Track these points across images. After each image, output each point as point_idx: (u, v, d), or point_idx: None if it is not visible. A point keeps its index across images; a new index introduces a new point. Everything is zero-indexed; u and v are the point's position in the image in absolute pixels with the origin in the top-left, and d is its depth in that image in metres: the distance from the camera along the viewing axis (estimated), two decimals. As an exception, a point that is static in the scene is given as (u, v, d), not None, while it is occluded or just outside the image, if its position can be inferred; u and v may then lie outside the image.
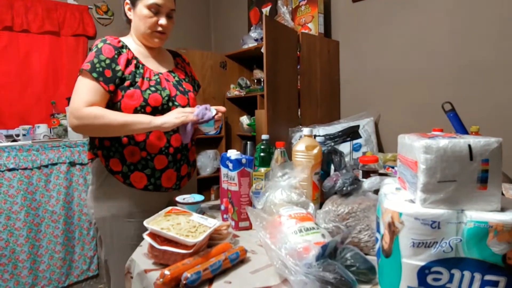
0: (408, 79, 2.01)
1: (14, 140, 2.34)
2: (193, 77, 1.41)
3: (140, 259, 0.85)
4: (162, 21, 1.17)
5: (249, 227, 1.03)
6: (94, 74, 1.08)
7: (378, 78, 2.16)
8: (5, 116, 2.55)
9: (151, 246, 0.80)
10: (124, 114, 1.09)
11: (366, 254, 0.77)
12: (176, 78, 1.27)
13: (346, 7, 2.30)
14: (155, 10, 1.15)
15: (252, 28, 2.74)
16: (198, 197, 1.07)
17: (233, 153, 1.04)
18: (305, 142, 1.04)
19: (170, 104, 1.18)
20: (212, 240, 0.87)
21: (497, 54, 1.67)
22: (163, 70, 1.25)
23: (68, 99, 2.46)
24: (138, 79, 1.14)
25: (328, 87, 2.29)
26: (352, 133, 1.99)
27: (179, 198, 1.06)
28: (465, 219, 0.58)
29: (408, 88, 2.02)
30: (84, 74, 1.09)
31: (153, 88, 1.15)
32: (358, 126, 2.01)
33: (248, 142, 2.79)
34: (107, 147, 1.17)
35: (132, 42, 1.22)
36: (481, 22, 1.71)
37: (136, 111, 1.11)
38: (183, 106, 1.21)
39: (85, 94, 1.07)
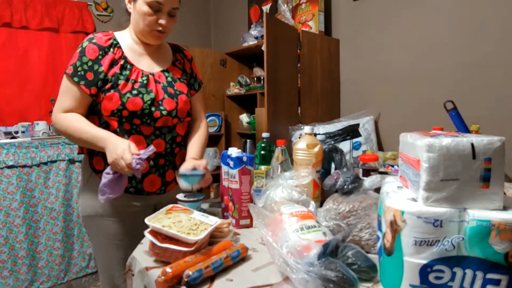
0: (408, 78, 2.01)
1: (13, 137, 2.33)
2: (193, 75, 1.32)
3: (141, 256, 0.85)
4: (162, 20, 1.10)
5: (250, 225, 1.03)
6: (75, 79, 1.06)
7: (378, 76, 2.16)
8: (4, 113, 2.54)
9: (153, 244, 0.80)
10: (86, 128, 1.04)
11: (367, 252, 0.77)
12: (169, 79, 1.19)
13: (347, 5, 2.29)
14: (156, 7, 1.08)
15: (252, 26, 2.73)
16: (199, 195, 1.06)
17: (234, 151, 1.04)
18: (306, 140, 1.04)
19: (153, 109, 1.10)
20: (213, 238, 0.87)
21: (498, 53, 1.67)
22: (156, 69, 1.18)
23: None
24: (121, 82, 1.08)
25: (328, 85, 2.28)
26: (352, 132, 1.99)
27: (179, 196, 1.05)
28: (467, 217, 0.58)
29: (408, 86, 2.02)
30: (66, 77, 1.09)
31: (134, 92, 1.08)
32: (358, 125, 2.01)
33: (248, 140, 2.79)
34: None
35: (128, 37, 1.17)
36: (482, 21, 1.71)
37: (113, 113, 1.07)
38: (170, 111, 1.13)
39: (63, 99, 1.08)
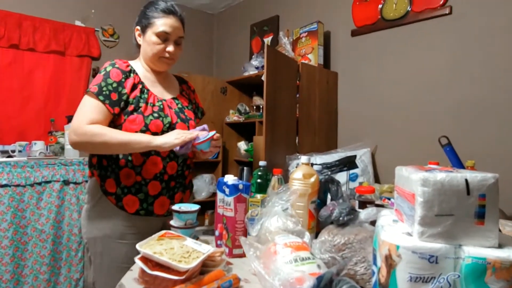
0: (405, 112, 2.05)
1: (10, 156, 2.32)
2: (197, 104, 1.42)
3: (130, 284, 0.83)
4: (170, 48, 1.20)
5: (243, 255, 1.00)
6: (101, 97, 1.10)
7: (376, 109, 2.20)
8: (2, 131, 2.54)
9: (142, 271, 0.78)
10: (124, 132, 1.10)
11: (362, 287, 0.75)
12: (179, 106, 1.28)
13: (345, 40, 2.38)
14: (164, 37, 1.18)
15: (253, 56, 2.82)
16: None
17: (230, 178, 1.04)
18: (303, 170, 1.04)
19: (170, 131, 1.17)
20: (205, 266, 0.85)
21: (493, 91, 1.72)
22: (167, 96, 1.27)
23: (68, 117, 2.47)
24: (142, 104, 1.16)
25: (326, 116, 2.32)
26: (349, 163, 2.00)
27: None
28: (463, 254, 0.57)
29: (404, 120, 2.05)
30: (90, 95, 1.12)
31: (155, 114, 1.16)
32: (355, 156, 2.02)
33: (245, 167, 2.79)
34: (104, 167, 1.17)
35: (140, 66, 1.25)
36: (477, 60, 1.77)
37: None
38: None
39: (88, 112, 1.09)
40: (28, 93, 2.66)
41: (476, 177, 0.59)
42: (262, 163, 1.25)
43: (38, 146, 2.37)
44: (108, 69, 1.15)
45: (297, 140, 2.14)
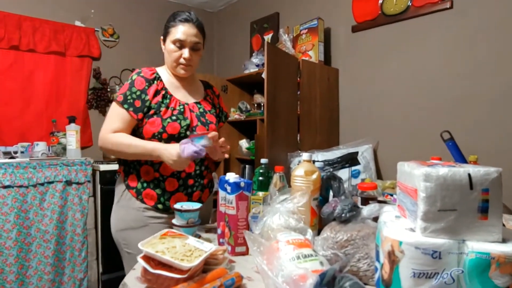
0: (406, 108, 2.04)
1: (12, 157, 2.32)
2: (221, 109, 1.49)
3: (133, 283, 0.83)
4: (185, 54, 1.26)
5: (246, 253, 1.00)
6: (125, 105, 1.21)
7: (377, 106, 2.19)
8: (4, 132, 2.55)
9: (145, 270, 0.78)
10: (138, 144, 1.19)
11: (365, 284, 0.75)
12: (201, 110, 1.34)
13: (346, 36, 2.37)
14: (180, 44, 1.25)
15: (253, 54, 2.81)
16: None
17: (231, 176, 1.04)
18: (304, 167, 1.04)
19: (188, 133, 1.25)
20: (208, 265, 0.85)
21: (495, 86, 1.70)
22: (191, 100, 1.34)
23: (69, 117, 2.47)
24: (162, 109, 1.24)
25: (327, 113, 2.31)
26: (350, 160, 1.99)
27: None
28: (466, 249, 0.57)
29: (406, 116, 2.04)
30: (116, 103, 1.24)
31: (174, 117, 1.24)
32: (356, 153, 2.01)
33: (247, 165, 2.78)
34: (128, 164, 1.29)
35: (165, 73, 1.34)
36: (479, 54, 1.76)
37: (154, 136, 1.22)
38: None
39: (113, 121, 1.23)
40: (29, 94, 2.66)
41: (479, 171, 0.58)
42: (263, 160, 1.25)
43: (40, 147, 2.38)
44: (134, 78, 1.26)
45: (298, 138, 2.13)
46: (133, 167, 1.28)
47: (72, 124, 2.42)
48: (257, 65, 2.69)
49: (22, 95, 2.63)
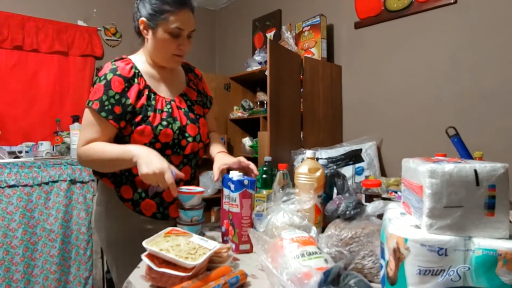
0: (410, 104, 2.03)
1: (17, 157, 2.34)
2: (205, 93, 1.32)
3: (138, 281, 0.83)
4: (183, 45, 1.11)
5: (250, 250, 1.00)
6: (103, 114, 1.03)
7: (381, 102, 2.17)
8: (9, 132, 2.56)
9: (149, 268, 0.78)
10: (111, 150, 1.02)
11: (370, 281, 0.74)
12: (188, 103, 1.20)
13: (349, 33, 2.35)
14: (176, 33, 1.07)
15: (256, 51, 2.80)
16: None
17: (235, 174, 1.03)
18: (308, 165, 1.04)
19: (181, 137, 1.12)
20: (212, 263, 0.85)
21: (501, 81, 1.69)
22: (175, 94, 1.18)
23: (73, 116, 2.48)
24: (150, 113, 1.08)
25: (330, 110, 2.30)
26: (354, 157, 1.99)
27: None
28: (472, 246, 0.56)
29: (410, 113, 2.03)
30: (91, 111, 1.06)
31: (164, 123, 1.09)
32: (360, 150, 2.01)
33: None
34: (118, 175, 1.13)
35: (143, 62, 1.16)
36: (483, 50, 1.74)
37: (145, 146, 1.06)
38: (194, 137, 1.15)
39: (87, 133, 1.05)
40: (33, 94, 2.68)
41: (485, 167, 0.57)
42: (267, 158, 1.25)
43: (45, 146, 2.39)
44: (109, 78, 1.05)
45: (301, 135, 2.12)
46: (126, 177, 1.12)
47: (76, 124, 2.43)
48: (260, 63, 2.68)
49: (26, 95, 2.64)
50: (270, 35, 2.99)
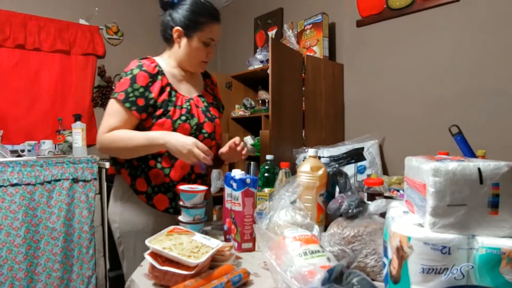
0: (413, 103, 2.02)
1: (19, 156, 2.35)
2: (218, 99, 1.42)
3: (141, 279, 0.83)
4: (211, 52, 1.23)
5: (252, 249, 1.01)
6: (127, 104, 1.11)
7: (383, 101, 2.17)
8: (11, 131, 2.57)
9: (152, 266, 0.78)
10: (139, 136, 1.09)
11: (373, 280, 0.74)
12: (205, 104, 1.29)
13: (351, 31, 2.35)
14: (208, 43, 1.20)
15: (258, 50, 2.79)
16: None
17: (237, 173, 1.03)
18: (310, 163, 1.04)
19: (198, 133, 1.21)
20: (214, 261, 0.85)
21: (504, 79, 1.68)
22: (193, 94, 1.28)
23: (75, 115, 2.49)
24: (170, 108, 1.16)
25: (332, 109, 2.30)
26: (356, 155, 1.98)
27: (181, 217, 1.04)
28: (476, 245, 0.56)
29: (412, 111, 2.02)
30: (116, 101, 1.13)
31: (183, 117, 1.18)
32: (362, 148, 2.00)
33: (252, 162, 2.78)
34: (134, 166, 1.20)
35: (167, 64, 1.24)
36: (486, 48, 1.73)
37: None
38: (210, 133, 1.25)
39: (110, 121, 1.12)
40: (35, 93, 2.68)
41: (489, 165, 0.57)
42: (269, 157, 1.25)
43: (47, 145, 2.40)
44: (135, 72, 1.14)
45: (303, 134, 2.12)
46: (141, 170, 1.19)
47: (78, 122, 2.43)
48: (262, 61, 2.67)
49: (28, 94, 2.65)
50: (271, 33, 2.98)
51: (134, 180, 1.20)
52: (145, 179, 1.19)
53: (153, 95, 1.14)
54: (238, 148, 1.20)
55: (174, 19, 1.20)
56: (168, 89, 1.19)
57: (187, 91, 1.26)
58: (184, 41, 1.20)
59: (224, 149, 1.24)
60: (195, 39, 1.18)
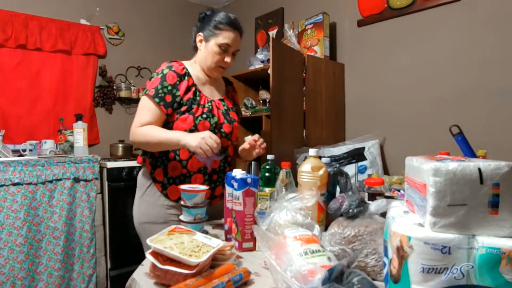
0: (413, 103, 2.02)
1: (21, 155, 2.35)
2: (237, 105, 1.52)
3: (142, 278, 0.84)
4: (228, 59, 1.31)
5: (253, 248, 1.01)
6: (156, 99, 1.23)
7: (384, 101, 2.17)
8: (13, 131, 2.58)
9: (153, 266, 0.78)
10: (161, 133, 1.21)
11: (373, 279, 0.74)
12: (225, 107, 1.39)
13: (351, 31, 2.35)
14: (225, 48, 1.29)
15: (258, 50, 2.79)
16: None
17: (238, 173, 1.04)
18: (311, 163, 1.04)
19: (216, 131, 1.30)
20: (215, 260, 0.85)
21: (505, 79, 1.68)
22: (215, 97, 1.38)
23: (76, 115, 2.50)
24: (194, 106, 1.27)
25: (333, 108, 2.30)
26: (357, 155, 1.98)
27: (182, 217, 1.04)
28: (476, 244, 0.56)
29: (413, 111, 2.02)
30: (148, 97, 1.25)
31: (204, 115, 1.28)
32: (363, 148, 2.00)
33: (253, 162, 2.78)
34: (155, 157, 1.31)
35: (194, 68, 1.35)
36: (486, 47, 1.73)
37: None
38: (227, 134, 1.35)
39: (143, 116, 1.24)
40: (37, 93, 2.69)
41: (489, 165, 0.57)
42: (270, 156, 1.25)
43: (48, 144, 2.40)
44: (165, 72, 1.26)
45: (304, 133, 2.12)
46: (161, 161, 1.30)
47: (79, 122, 2.44)
48: (262, 61, 2.67)
49: (29, 93, 2.66)
50: (272, 33, 2.99)
51: (154, 169, 1.31)
52: (163, 170, 1.30)
53: (179, 93, 1.26)
54: (258, 143, 1.33)
55: (199, 28, 1.35)
56: (193, 89, 1.29)
57: (210, 94, 1.36)
58: (203, 45, 1.32)
59: (245, 146, 1.37)
60: (211, 42, 1.29)
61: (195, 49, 1.38)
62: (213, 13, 1.34)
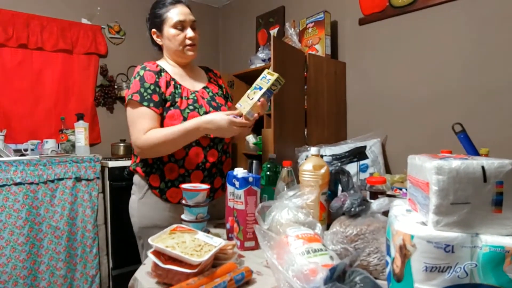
0: (415, 101, 2.01)
1: (22, 155, 2.36)
2: (224, 88, 1.46)
3: (144, 278, 0.84)
4: (190, 33, 1.26)
5: (255, 247, 1.01)
6: (145, 103, 1.18)
7: (385, 99, 2.16)
8: (15, 130, 2.58)
9: (155, 265, 0.78)
10: (174, 128, 1.15)
11: (376, 278, 0.74)
12: (210, 94, 1.34)
13: (353, 29, 2.34)
14: (181, 26, 1.25)
15: (260, 48, 2.79)
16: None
17: (240, 171, 1.04)
18: (313, 162, 1.04)
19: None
20: (217, 259, 0.85)
21: (507, 77, 1.67)
22: (198, 87, 1.33)
23: (78, 114, 2.50)
24: (178, 99, 1.23)
25: (335, 107, 2.29)
26: (359, 154, 1.98)
27: (184, 216, 1.04)
28: (480, 243, 0.56)
29: (415, 109, 2.02)
30: (133, 104, 1.19)
31: (191, 107, 1.23)
32: (365, 147, 2.00)
33: (254, 161, 2.77)
34: (149, 164, 1.26)
35: (167, 64, 1.32)
36: (489, 45, 1.72)
37: None
38: None
39: (142, 123, 1.17)
40: (38, 92, 2.69)
41: (493, 164, 0.57)
42: (271, 155, 1.25)
43: (50, 144, 2.41)
44: (141, 73, 1.22)
45: (305, 132, 2.12)
46: (156, 167, 1.25)
47: (81, 121, 2.44)
48: (264, 60, 2.67)
49: (31, 93, 2.66)
50: (273, 32, 2.98)
51: (148, 176, 1.26)
52: (159, 176, 1.25)
53: (162, 89, 1.22)
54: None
55: (149, 26, 1.33)
56: (172, 83, 1.26)
57: (191, 86, 1.31)
58: (161, 36, 1.30)
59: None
60: (165, 29, 1.26)
61: (160, 48, 1.36)
62: (151, 8, 1.32)
